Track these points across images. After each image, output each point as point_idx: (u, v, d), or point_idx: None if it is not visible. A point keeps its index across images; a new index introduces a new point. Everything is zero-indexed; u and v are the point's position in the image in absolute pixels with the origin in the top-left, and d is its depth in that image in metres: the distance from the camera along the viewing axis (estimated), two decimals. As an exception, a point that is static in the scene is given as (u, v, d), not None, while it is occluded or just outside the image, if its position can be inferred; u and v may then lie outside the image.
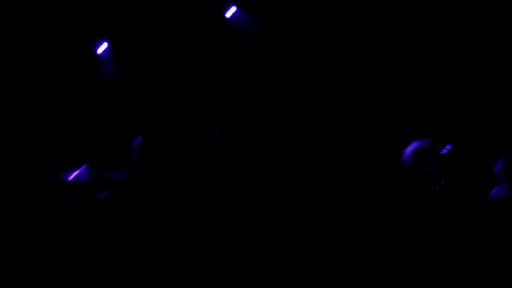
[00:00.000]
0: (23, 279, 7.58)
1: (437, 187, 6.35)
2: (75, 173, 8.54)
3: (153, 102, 10.36)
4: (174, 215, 7.67)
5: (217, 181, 7.73)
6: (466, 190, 6.32)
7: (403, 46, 9.72)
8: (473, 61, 9.22)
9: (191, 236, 7.55)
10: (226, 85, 10.54)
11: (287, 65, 10.40)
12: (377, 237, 6.76)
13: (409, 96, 9.55)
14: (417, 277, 5.92)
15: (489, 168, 6.83)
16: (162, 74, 10.67)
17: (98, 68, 10.77)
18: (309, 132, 9.91)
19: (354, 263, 6.71)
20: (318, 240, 7.23)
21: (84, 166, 8.63)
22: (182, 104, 10.16)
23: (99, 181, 8.44)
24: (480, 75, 9.09)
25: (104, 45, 10.64)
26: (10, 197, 9.01)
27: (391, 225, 6.52)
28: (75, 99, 10.59)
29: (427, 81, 9.54)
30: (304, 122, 10.08)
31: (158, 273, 7.30)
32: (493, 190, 6.37)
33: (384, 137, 9.47)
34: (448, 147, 6.60)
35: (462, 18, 9.35)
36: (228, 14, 10.53)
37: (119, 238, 7.64)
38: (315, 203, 8.03)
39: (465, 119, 9.08)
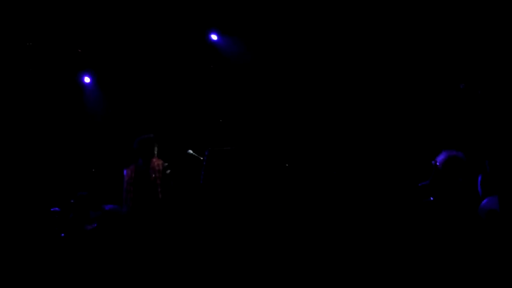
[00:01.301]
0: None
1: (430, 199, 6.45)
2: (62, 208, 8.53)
3: (139, 129, 10.39)
4: (166, 243, 7.67)
5: (208, 202, 7.76)
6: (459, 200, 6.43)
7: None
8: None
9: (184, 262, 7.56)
10: (211, 107, 10.62)
11: (268, 87, 10.51)
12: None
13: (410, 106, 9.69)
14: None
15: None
16: (148, 99, 10.73)
17: (84, 98, 10.81)
18: (295, 152, 9.98)
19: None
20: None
21: (72, 200, 8.61)
22: (168, 129, 10.20)
23: (88, 213, 8.42)
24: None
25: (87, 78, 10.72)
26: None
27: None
28: (61, 129, 10.61)
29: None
30: (289, 141, 10.16)
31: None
32: (483, 202, 6.45)
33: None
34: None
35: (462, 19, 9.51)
36: (214, 38, 10.67)
37: (110, 268, 7.62)
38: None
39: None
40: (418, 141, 9.25)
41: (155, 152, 8.06)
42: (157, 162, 8.01)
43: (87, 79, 10.76)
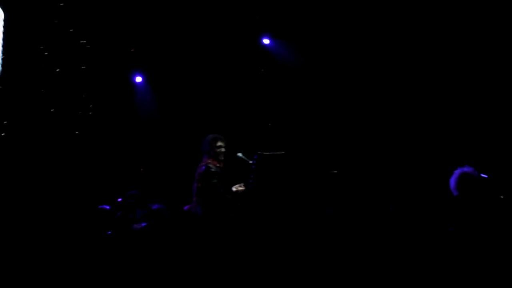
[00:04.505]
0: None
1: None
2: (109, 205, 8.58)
3: (188, 130, 10.45)
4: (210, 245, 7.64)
5: (255, 206, 7.67)
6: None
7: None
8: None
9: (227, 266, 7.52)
10: (261, 112, 10.64)
11: (318, 91, 10.49)
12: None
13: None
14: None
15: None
16: (198, 100, 10.77)
17: (135, 97, 10.91)
18: (343, 156, 9.94)
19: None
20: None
21: (120, 198, 8.64)
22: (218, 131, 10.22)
23: (136, 212, 8.44)
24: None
25: (139, 78, 10.82)
26: (52, 224, 9.07)
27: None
28: (112, 127, 10.71)
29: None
30: (339, 146, 10.11)
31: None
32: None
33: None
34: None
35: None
36: (266, 41, 10.68)
37: (153, 270, 7.62)
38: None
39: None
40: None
41: (214, 152, 7.85)
42: (203, 164, 7.85)
43: (138, 79, 10.85)
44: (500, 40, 9.42)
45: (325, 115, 10.43)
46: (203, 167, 7.78)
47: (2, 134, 9.87)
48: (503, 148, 9.12)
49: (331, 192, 9.19)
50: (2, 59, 9.62)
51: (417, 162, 9.67)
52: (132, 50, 10.64)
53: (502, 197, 6.60)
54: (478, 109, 9.54)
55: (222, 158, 7.91)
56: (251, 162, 7.79)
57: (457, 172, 6.33)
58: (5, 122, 9.91)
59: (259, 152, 7.74)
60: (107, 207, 8.50)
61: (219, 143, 7.87)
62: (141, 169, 10.55)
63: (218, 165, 7.85)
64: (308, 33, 10.52)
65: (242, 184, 7.89)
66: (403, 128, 9.99)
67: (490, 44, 9.50)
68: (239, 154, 7.94)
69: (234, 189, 7.89)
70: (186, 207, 8.23)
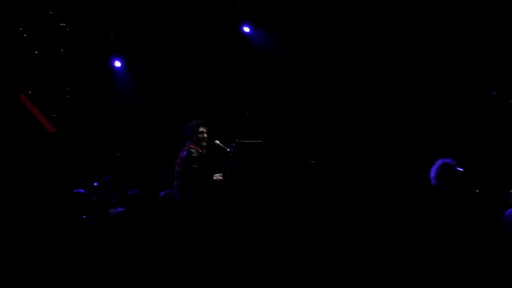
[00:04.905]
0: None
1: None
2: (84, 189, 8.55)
3: (167, 117, 10.42)
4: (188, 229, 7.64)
5: (233, 192, 7.71)
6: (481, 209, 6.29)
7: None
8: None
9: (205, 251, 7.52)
10: (240, 99, 10.64)
11: (299, 79, 10.51)
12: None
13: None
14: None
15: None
16: (177, 87, 10.74)
17: (113, 82, 10.87)
18: (321, 146, 9.97)
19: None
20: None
21: (96, 183, 8.62)
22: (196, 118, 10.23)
23: (111, 197, 8.43)
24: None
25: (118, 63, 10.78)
26: (25, 210, 9.02)
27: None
28: (89, 111, 10.67)
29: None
30: (316, 136, 10.14)
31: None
32: (508, 211, 6.34)
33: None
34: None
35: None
36: (246, 30, 10.67)
37: (132, 254, 7.60)
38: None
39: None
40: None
41: (196, 138, 7.87)
42: (185, 149, 7.88)
43: (117, 64, 10.80)
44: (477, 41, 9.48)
45: (303, 105, 10.44)
46: (185, 152, 7.82)
47: None
48: (482, 146, 9.18)
49: (307, 181, 9.22)
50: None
51: (395, 152, 9.72)
52: (112, 34, 10.58)
53: (477, 191, 6.67)
54: (457, 105, 9.60)
55: (204, 144, 7.94)
56: (228, 149, 7.82)
57: (439, 162, 6.39)
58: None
59: (236, 140, 7.76)
60: (83, 191, 8.48)
61: (201, 129, 7.91)
62: (118, 154, 10.51)
63: (200, 150, 7.89)
64: (288, 21, 10.51)
65: (222, 174, 7.93)
66: (380, 118, 10.02)
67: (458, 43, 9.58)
68: (217, 142, 7.97)
69: (214, 177, 7.93)
70: (162, 193, 8.24)
